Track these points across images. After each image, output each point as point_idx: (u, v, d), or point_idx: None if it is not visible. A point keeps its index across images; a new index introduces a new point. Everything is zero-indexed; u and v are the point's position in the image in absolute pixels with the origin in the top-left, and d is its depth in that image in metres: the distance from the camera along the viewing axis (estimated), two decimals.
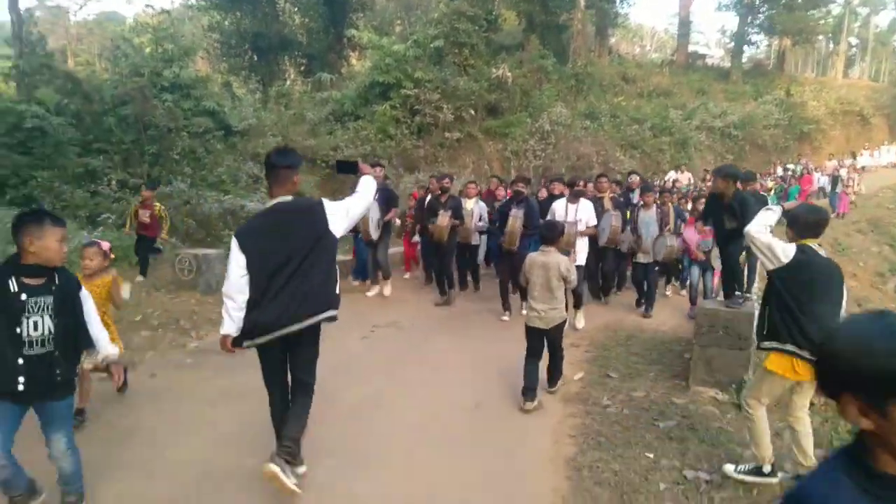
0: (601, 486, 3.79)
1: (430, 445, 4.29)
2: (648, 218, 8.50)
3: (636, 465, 4.06)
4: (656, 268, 8.72)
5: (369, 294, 9.02)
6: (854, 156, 23.49)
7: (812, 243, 3.81)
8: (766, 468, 3.82)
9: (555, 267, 4.95)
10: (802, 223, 3.89)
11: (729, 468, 3.93)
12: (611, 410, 5.04)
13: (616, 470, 3.98)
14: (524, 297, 7.41)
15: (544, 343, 5.18)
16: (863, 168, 22.78)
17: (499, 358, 6.11)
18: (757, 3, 31.26)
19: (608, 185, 8.94)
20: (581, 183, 8.70)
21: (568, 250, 6.83)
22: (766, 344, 3.80)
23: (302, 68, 30.66)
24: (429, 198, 9.51)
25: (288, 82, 28.11)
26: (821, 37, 48.87)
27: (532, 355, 5.15)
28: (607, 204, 8.34)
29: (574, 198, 7.62)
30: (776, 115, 25.98)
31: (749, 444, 4.01)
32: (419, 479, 3.81)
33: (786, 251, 3.72)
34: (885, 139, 29.42)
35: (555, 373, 5.44)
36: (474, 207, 9.01)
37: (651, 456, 4.19)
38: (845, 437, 4.58)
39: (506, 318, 7.98)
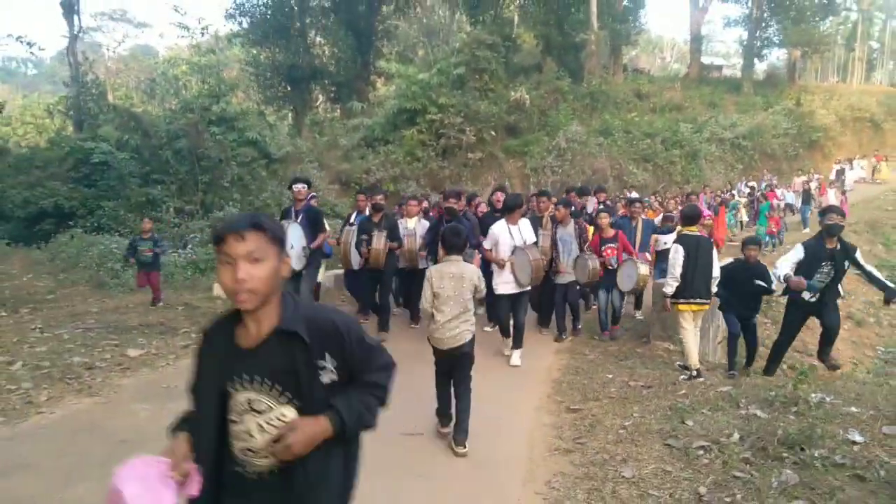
0: (573, 390, 5.71)
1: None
2: (566, 235, 7.58)
3: (598, 381, 5.95)
4: (577, 287, 7.79)
5: None
6: (846, 166, 24.41)
7: (691, 230, 6.35)
8: (694, 373, 6.02)
9: (469, 277, 4.35)
10: (683, 217, 6.65)
11: (680, 377, 6.01)
12: (590, 357, 6.93)
13: (584, 383, 5.90)
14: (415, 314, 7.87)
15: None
16: (838, 181, 22.94)
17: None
18: (765, 16, 32.38)
19: (548, 204, 7.90)
20: (498, 196, 7.80)
21: (539, 278, 6.55)
22: (673, 300, 6.28)
23: (331, 95, 32.60)
24: (354, 216, 8.41)
25: (320, 111, 29.96)
26: (840, 42, 49.66)
27: (445, 380, 4.53)
28: (546, 224, 7.55)
29: (513, 217, 6.64)
30: (784, 125, 27.08)
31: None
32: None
33: (677, 250, 6.17)
34: None
35: (463, 420, 4.34)
36: (417, 227, 7.92)
37: (610, 376, 6.08)
38: None
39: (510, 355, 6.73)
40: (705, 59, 45.25)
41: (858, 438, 3.85)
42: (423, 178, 20.61)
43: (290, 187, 7.37)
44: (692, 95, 30.65)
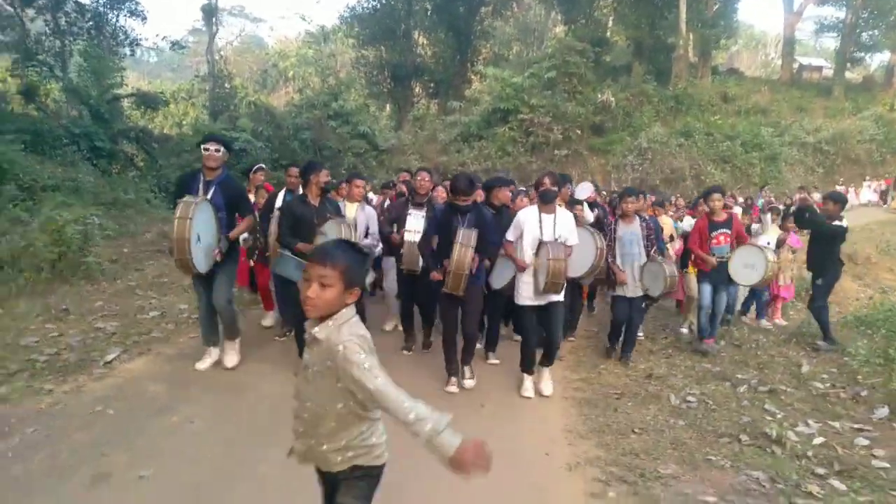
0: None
1: None
2: (630, 234, 6.06)
3: None
4: (644, 304, 6.44)
5: (200, 365, 5.31)
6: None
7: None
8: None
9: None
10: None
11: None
12: None
13: None
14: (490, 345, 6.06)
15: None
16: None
17: None
18: (861, 21, 32.32)
19: (566, 193, 6.27)
20: (545, 181, 5.17)
21: (558, 285, 4.89)
22: None
23: (430, 91, 35.26)
24: (282, 196, 6.34)
25: (421, 108, 32.63)
26: None
27: None
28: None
29: (546, 205, 5.06)
30: (871, 131, 27.39)
31: None
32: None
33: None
34: None
35: None
36: (358, 215, 6.05)
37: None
38: None
39: (452, 388, 5.19)
40: (804, 60, 44.80)
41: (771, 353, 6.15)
42: (512, 171, 22.85)
43: (199, 144, 5.17)
44: (779, 99, 31.17)
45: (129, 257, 9.22)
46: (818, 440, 4.29)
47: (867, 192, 25.56)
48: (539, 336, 5.18)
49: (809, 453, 4.06)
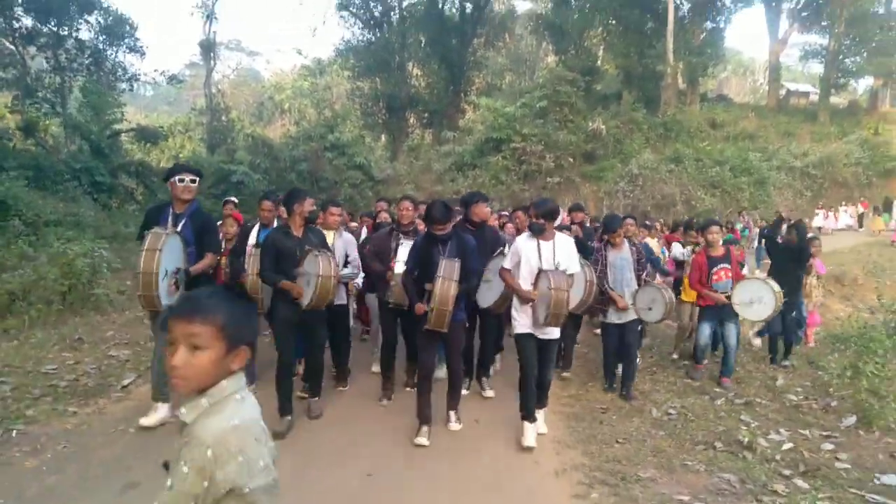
0: None
1: None
2: (621, 260, 6.05)
3: None
4: (640, 326, 6.55)
5: (145, 421, 4.62)
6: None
7: None
8: None
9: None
10: None
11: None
12: None
13: None
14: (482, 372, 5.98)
15: None
16: (818, 229, 22.26)
17: None
18: (844, 49, 33.20)
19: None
20: (530, 213, 5.43)
21: (560, 317, 4.57)
22: None
23: (424, 121, 35.95)
24: (255, 232, 5.94)
25: (415, 139, 33.25)
26: None
27: None
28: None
29: (542, 231, 4.79)
30: (857, 154, 28.02)
31: None
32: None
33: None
34: None
35: None
36: (336, 242, 5.74)
37: None
38: None
39: (422, 439, 4.63)
40: (792, 86, 45.80)
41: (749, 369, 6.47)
42: (506, 199, 23.34)
43: (166, 179, 4.92)
44: (767, 125, 31.88)
45: (134, 289, 9.58)
46: (787, 445, 4.65)
47: (844, 216, 26.05)
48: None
49: (778, 457, 4.42)
